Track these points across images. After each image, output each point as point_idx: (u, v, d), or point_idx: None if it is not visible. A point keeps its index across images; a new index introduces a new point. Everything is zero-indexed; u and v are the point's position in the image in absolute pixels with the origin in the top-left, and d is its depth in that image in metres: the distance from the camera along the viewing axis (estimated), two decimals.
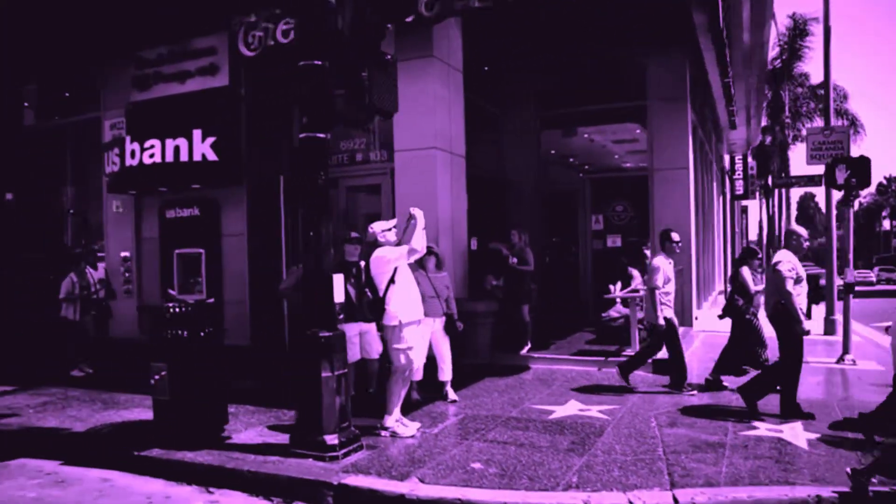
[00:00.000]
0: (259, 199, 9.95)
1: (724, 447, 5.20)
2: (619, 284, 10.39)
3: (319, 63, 5.06)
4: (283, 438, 5.57)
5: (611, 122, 12.13)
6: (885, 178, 48.19)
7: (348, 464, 4.87)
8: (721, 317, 7.57)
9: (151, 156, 9.54)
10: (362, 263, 5.64)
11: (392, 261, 5.51)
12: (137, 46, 10.20)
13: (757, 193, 26.40)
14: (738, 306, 7.21)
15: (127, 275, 10.62)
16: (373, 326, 6.54)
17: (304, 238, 5.11)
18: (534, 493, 4.29)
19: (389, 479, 4.54)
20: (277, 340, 9.75)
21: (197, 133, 9.36)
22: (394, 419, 5.63)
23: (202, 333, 5.63)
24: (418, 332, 5.68)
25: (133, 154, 9.68)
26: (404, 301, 5.55)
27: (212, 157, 9.34)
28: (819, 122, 21.05)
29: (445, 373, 6.75)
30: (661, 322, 6.98)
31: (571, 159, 12.90)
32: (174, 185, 9.82)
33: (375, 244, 5.66)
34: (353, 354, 6.50)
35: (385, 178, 9.65)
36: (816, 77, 24.38)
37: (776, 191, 33.62)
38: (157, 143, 9.52)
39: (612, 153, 13.03)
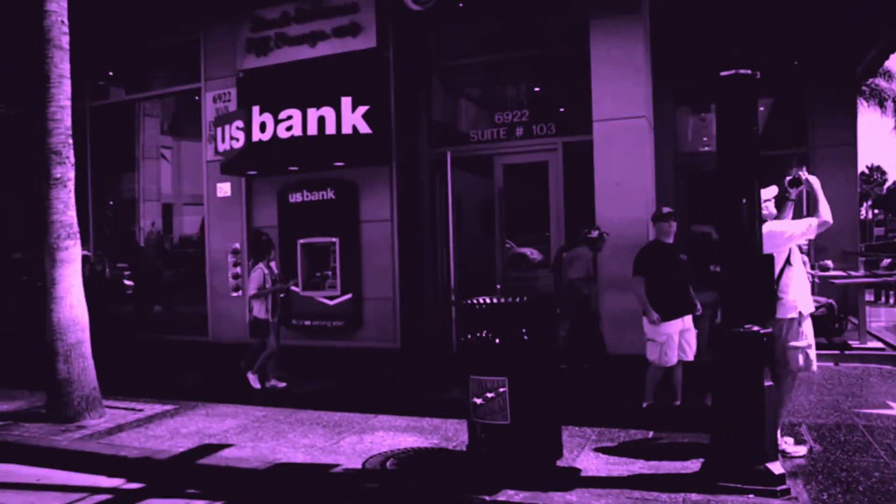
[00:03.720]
0: (406, 179, 8.63)
1: None
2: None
3: None
4: (643, 467, 4.41)
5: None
6: (866, 167, 49.40)
7: (808, 501, 3.76)
8: None
9: (289, 128, 8.11)
10: None
11: (793, 237, 4.42)
12: (254, 4, 8.73)
13: None
14: None
15: (237, 269, 9.15)
16: (690, 321, 5.50)
17: (730, 209, 3.96)
18: None
19: None
20: (439, 342, 8.47)
21: (346, 101, 7.99)
22: (779, 434, 4.53)
23: (539, 337, 4.40)
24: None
25: (263, 127, 8.23)
26: (801, 287, 4.47)
27: (364, 129, 7.99)
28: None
29: None
30: None
31: (706, 138, 11.99)
32: (311, 164, 8.42)
33: None
34: (673, 357, 5.42)
35: (552, 155, 8.46)
36: None
37: None
38: (296, 113, 8.09)
39: None
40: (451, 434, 5.30)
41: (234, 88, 9.03)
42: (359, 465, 4.66)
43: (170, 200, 11.79)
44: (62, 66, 6.12)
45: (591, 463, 4.54)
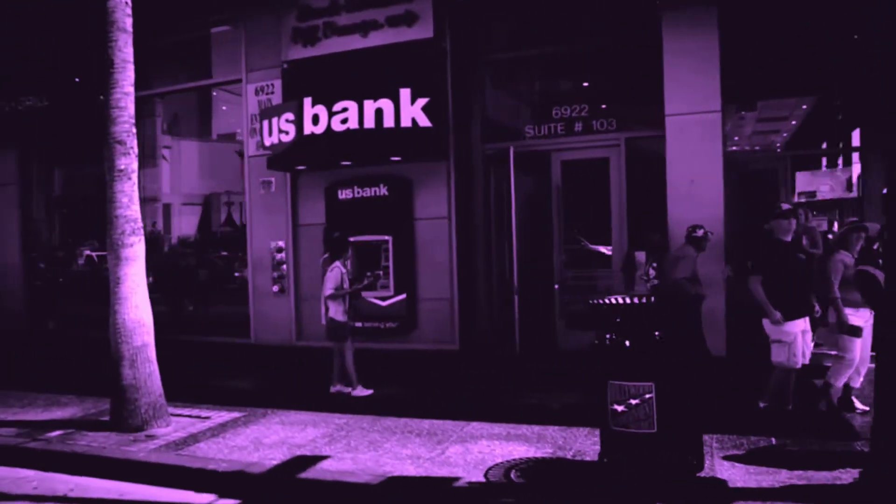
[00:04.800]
0: (464, 175, 8.31)
1: None
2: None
3: None
4: (790, 477, 4.10)
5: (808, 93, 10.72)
6: None
7: None
8: None
9: (344, 121, 7.74)
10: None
11: None
12: None
13: None
14: None
15: (282, 268, 8.77)
16: (808, 322, 5.24)
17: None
18: None
19: None
20: (500, 343, 8.15)
21: (405, 93, 7.64)
22: None
23: (685, 340, 4.11)
24: None
25: (316, 119, 7.85)
26: None
27: (424, 122, 7.65)
28: None
29: (861, 376, 5.45)
30: None
31: (738, 137, 11.75)
32: (366, 158, 8.06)
33: None
34: (800, 357, 5.16)
35: (614, 152, 8.18)
36: None
37: None
38: (351, 105, 7.72)
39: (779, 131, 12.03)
40: (562, 443, 4.97)
41: (279, 80, 8.66)
42: (480, 478, 4.32)
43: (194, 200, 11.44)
44: (126, 51, 5.73)
45: (731, 473, 4.24)
